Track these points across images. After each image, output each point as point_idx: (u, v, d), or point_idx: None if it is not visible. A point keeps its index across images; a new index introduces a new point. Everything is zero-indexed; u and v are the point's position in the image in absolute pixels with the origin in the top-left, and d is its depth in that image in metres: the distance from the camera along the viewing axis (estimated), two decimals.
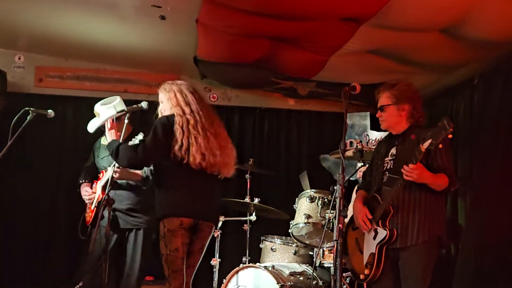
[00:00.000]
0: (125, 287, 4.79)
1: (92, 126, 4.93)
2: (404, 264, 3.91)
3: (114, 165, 4.44)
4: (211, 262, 5.46)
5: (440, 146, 3.59)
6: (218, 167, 4.16)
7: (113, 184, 4.32)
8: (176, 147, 4.02)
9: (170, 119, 4.12)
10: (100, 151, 5.11)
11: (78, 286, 4.84)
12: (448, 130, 3.48)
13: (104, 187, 4.81)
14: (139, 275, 4.86)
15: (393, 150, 4.08)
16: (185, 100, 4.16)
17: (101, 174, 5.01)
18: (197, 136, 4.05)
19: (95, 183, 5.08)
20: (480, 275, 5.18)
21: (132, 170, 4.65)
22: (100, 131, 4.96)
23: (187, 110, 4.12)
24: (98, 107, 4.86)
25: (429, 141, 3.59)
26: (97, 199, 4.93)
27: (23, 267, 6.19)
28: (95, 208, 4.92)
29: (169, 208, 4.11)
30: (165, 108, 4.24)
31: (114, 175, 4.59)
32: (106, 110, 4.76)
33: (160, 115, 4.28)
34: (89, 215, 5.00)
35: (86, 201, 5.03)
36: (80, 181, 5.14)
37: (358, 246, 4.15)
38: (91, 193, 5.01)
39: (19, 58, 6.43)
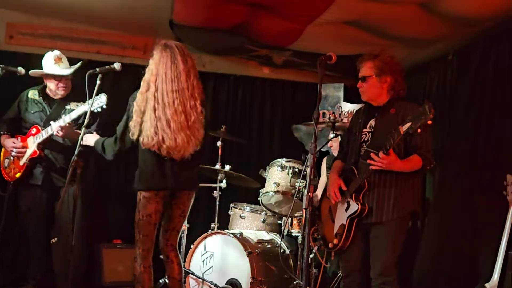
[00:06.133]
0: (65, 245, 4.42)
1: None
2: (375, 236, 3.94)
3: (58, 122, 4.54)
4: None
5: (419, 131, 3.59)
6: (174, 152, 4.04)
7: (81, 145, 4.15)
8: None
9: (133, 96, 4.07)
10: (29, 104, 5.03)
11: (53, 240, 4.83)
12: (428, 116, 3.48)
13: (40, 144, 4.80)
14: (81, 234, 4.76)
15: (372, 122, 4.07)
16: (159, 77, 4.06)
17: (34, 129, 4.90)
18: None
19: (17, 137, 4.96)
20: (444, 250, 5.26)
21: (75, 130, 4.71)
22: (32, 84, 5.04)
23: (152, 88, 4.00)
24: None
25: (409, 124, 3.58)
26: (31, 155, 4.84)
27: None
28: (25, 165, 4.85)
29: (141, 183, 4.10)
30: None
31: (57, 133, 4.63)
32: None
33: None
34: (14, 170, 4.92)
35: (13, 154, 4.91)
36: (1, 132, 5.04)
37: (331, 215, 4.17)
38: (20, 147, 4.90)
39: None
